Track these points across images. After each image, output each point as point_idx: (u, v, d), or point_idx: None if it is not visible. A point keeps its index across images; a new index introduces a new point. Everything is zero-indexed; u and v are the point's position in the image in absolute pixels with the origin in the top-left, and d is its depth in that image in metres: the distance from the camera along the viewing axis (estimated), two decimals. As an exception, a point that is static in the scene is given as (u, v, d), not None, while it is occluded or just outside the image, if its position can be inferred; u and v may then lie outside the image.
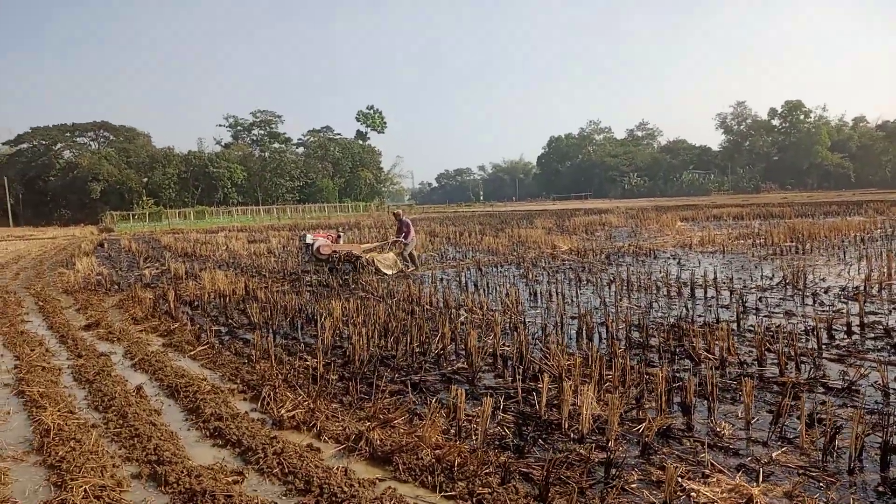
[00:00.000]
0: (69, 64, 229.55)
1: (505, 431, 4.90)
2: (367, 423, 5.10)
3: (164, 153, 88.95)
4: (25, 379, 6.85)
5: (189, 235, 37.77)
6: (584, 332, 7.97)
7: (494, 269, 15.87)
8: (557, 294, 11.14)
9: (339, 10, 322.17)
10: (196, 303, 12.02)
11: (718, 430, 4.83)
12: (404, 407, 5.47)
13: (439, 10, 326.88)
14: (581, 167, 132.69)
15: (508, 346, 7.38)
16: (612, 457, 4.28)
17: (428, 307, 10.24)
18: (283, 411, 5.50)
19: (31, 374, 7.02)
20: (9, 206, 74.32)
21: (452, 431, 4.93)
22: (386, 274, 15.14)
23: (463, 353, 7.41)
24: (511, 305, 9.90)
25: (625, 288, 11.55)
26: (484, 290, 12.28)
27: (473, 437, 4.78)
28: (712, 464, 4.22)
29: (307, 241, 16.52)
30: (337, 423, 5.25)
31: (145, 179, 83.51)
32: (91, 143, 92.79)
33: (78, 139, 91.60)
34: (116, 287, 14.74)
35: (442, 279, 14.47)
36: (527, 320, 9.17)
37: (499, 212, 65.27)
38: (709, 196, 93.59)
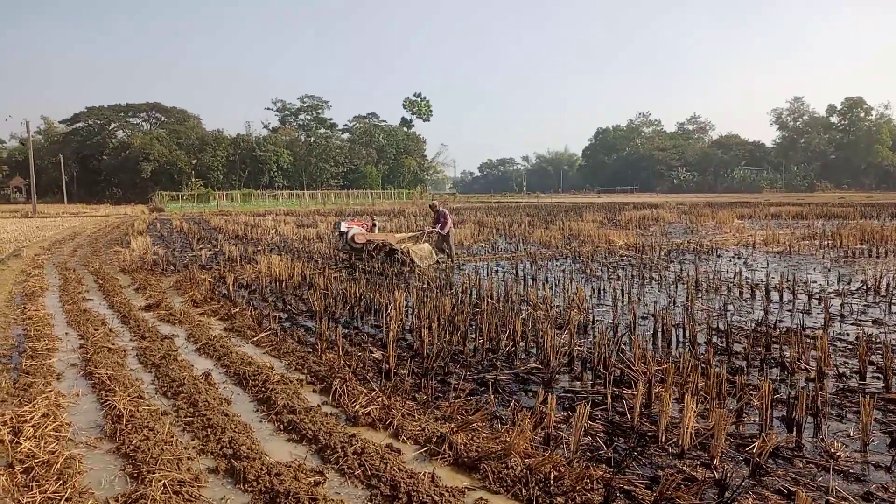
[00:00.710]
0: (124, 44, 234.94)
1: (597, 442, 4.57)
2: (448, 425, 4.83)
3: (214, 136, 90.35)
4: (92, 360, 6.77)
5: (237, 218, 38.20)
6: (662, 334, 7.56)
7: (549, 263, 15.46)
8: (622, 292, 10.71)
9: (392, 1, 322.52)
10: (253, 287, 11.93)
11: (832, 450, 4.42)
12: (484, 409, 5.17)
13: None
14: (628, 160, 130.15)
15: (581, 346, 7.04)
16: (724, 478, 3.91)
17: (490, 300, 9.93)
18: (357, 407, 5.27)
19: (97, 355, 6.95)
20: (63, 183, 76.35)
21: (539, 439, 4.62)
22: (420, 266, 14.47)
23: (534, 351, 7.10)
24: (577, 302, 9.52)
25: (694, 287, 11.05)
26: (542, 283, 11.90)
27: (563, 447, 4.47)
28: (837, 490, 3.83)
29: (342, 230, 16.28)
30: (414, 423, 4.99)
31: (194, 161, 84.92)
32: (143, 123, 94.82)
33: (131, 119, 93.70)
34: (172, 268, 14.80)
35: (497, 271, 14.14)
36: (595, 318, 8.80)
37: (544, 203, 64.48)
38: (761, 193, 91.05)
